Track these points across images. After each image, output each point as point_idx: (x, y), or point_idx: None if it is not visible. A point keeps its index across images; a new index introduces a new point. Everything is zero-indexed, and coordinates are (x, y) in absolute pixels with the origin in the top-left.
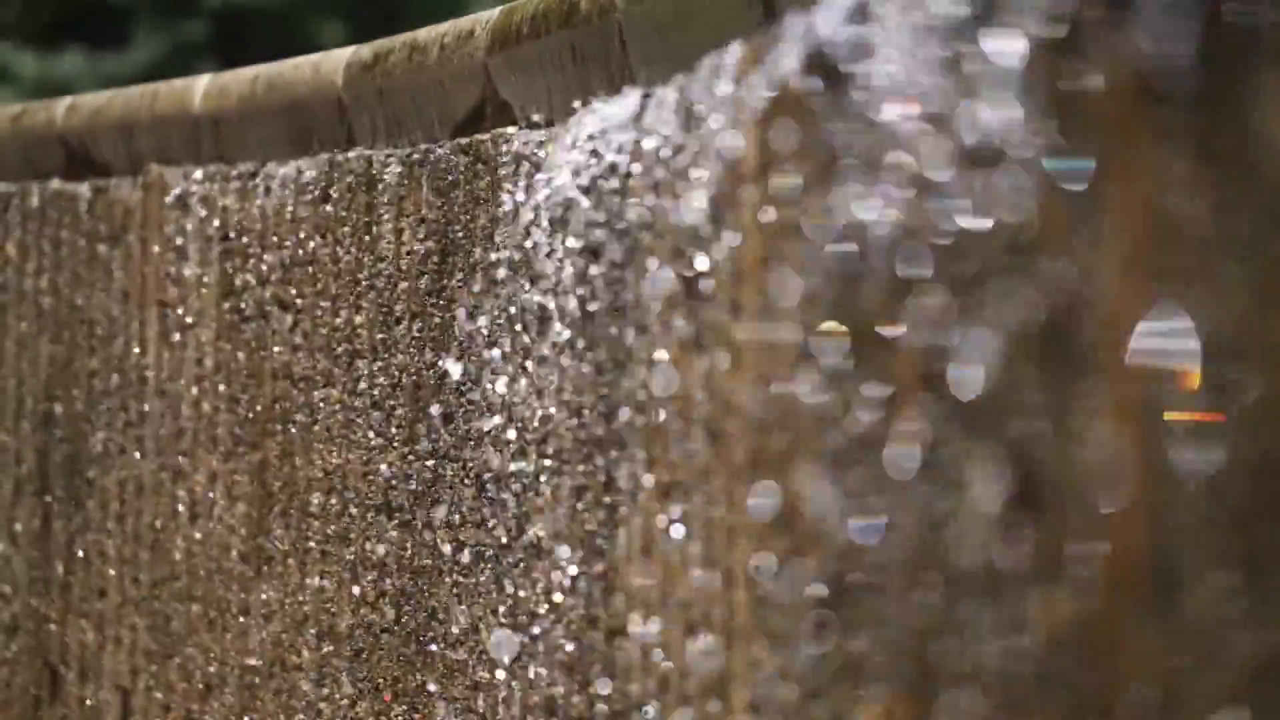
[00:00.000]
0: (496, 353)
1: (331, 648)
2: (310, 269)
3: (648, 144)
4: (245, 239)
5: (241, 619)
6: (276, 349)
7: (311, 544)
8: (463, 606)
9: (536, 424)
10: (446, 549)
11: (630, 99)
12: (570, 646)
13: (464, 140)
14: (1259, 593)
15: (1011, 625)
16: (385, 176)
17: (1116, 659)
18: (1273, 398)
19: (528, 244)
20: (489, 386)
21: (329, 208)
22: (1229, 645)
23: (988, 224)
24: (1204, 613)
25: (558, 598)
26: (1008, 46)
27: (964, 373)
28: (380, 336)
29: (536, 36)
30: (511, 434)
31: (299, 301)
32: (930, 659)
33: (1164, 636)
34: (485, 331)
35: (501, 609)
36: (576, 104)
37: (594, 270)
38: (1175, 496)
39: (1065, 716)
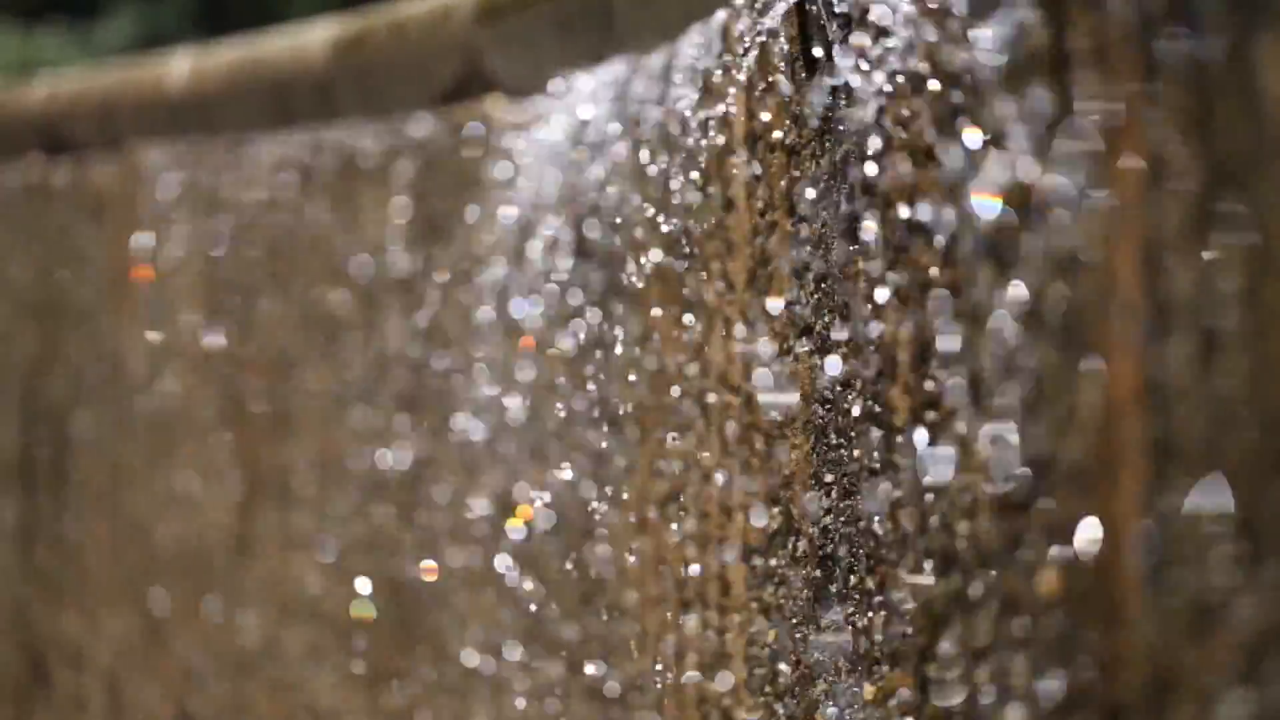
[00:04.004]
0: (490, 324)
1: (321, 632)
2: (293, 246)
3: (635, 113)
4: (226, 218)
5: (229, 605)
6: (261, 329)
7: (299, 527)
8: (459, 593)
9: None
10: (441, 531)
11: (617, 68)
12: (572, 630)
13: (449, 113)
14: (1259, 561)
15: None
16: (369, 151)
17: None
18: (1269, 361)
19: (514, 216)
20: (481, 359)
21: (312, 184)
22: (1229, 617)
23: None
24: (1203, 584)
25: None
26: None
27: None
28: (366, 312)
29: (522, 7)
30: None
31: (282, 280)
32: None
33: (1162, 608)
34: (477, 304)
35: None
36: (562, 74)
37: (581, 243)
38: (1173, 464)
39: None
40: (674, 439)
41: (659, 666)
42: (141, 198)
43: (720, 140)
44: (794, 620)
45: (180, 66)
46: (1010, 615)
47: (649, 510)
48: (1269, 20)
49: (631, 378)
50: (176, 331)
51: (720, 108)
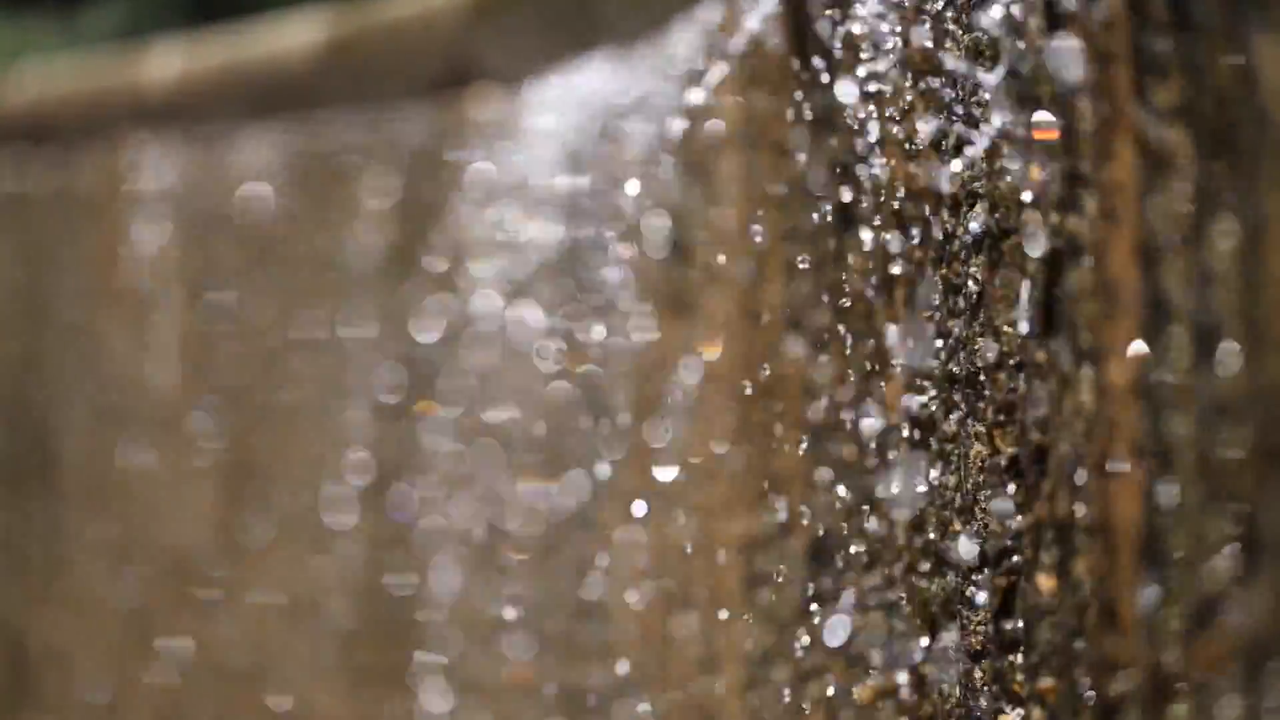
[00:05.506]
0: (477, 319)
1: (315, 630)
2: (283, 243)
3: (624, 103)
4: (214, 216)
5: (219, 606)
6: (248, 328)
7: (290, 527)
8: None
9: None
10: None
11: (606, 59)
12: (558, 621)
13: (439, 104)
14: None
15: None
16: (359, 146)
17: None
18: (1267, 355)
19: (503, 208)
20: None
21: (302, 181)
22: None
23: (970, 179)
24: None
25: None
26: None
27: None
28: (353, 305)
29: (512, 5)
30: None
31: (271, 278)
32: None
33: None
34: (464, 298)
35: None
36: (552, 66)
37: (568, 236)
38: (1171, 465)
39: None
40: None
41: None
42: (128, 194)
43: (709, 130)
44: None
45: (169, 63)
46: (1007, 616)
47: None
48: (1266, 17)
49: None
50: (166, 329)
51: (705, 97)
